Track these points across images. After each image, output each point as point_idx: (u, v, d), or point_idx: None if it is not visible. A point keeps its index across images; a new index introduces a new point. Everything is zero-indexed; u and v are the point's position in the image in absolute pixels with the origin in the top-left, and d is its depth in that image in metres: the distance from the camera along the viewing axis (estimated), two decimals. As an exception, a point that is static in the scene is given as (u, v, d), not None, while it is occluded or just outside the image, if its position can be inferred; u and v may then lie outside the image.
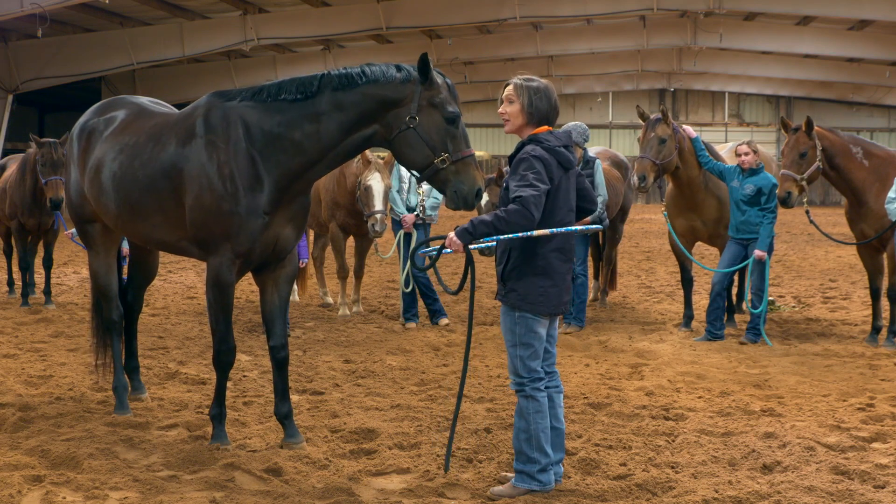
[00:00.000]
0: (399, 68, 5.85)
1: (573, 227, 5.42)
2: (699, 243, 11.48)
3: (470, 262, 5.56)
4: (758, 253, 10.06)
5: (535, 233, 5.26)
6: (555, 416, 5.58)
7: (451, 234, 5.31)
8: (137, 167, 6.41)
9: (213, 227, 6.00)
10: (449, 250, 5.36)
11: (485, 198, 10.63)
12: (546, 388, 5.53)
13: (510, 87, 5.51)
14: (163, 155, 6.27)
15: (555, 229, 5.30)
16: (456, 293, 6.11)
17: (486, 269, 15.30)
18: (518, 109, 5.45)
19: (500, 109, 5.58)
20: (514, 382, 5.50)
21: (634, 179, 10.34)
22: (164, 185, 6.24)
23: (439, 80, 5.81)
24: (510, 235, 5.24)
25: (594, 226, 6.63)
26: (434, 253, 5.54)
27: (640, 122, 10.73)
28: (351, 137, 5.91)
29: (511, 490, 5.43)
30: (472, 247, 5.42)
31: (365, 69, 5.88)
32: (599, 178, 10.67)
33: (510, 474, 5.62)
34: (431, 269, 9.51)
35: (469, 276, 5.60)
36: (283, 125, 5.94)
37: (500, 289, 5.52)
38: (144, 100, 7.23)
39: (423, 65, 5.74)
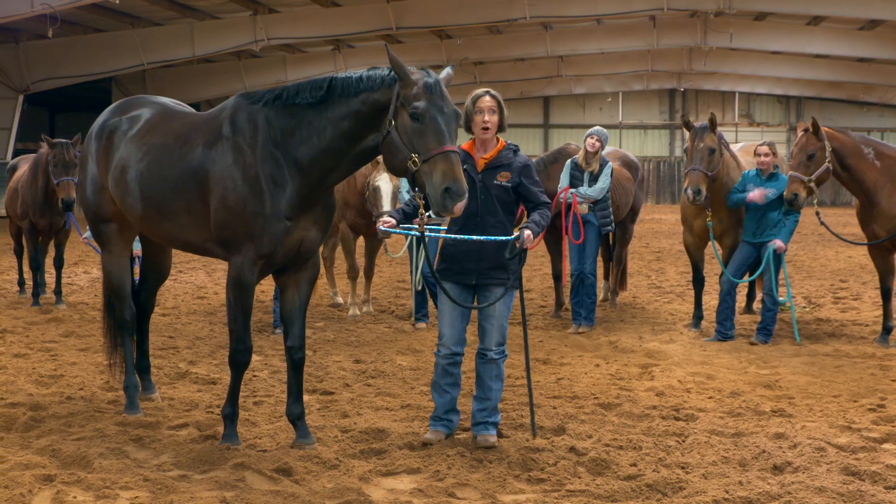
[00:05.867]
0: (390, 70, 5.64)
1: (483, 237, 6.19)
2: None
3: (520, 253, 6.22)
4: (777, 243, 10.05)
5: (453, 236, 6.23)
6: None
7: (528, 233, 6.07)
8: (165, 168, 6.37)
9: (237, 227, 5.95)
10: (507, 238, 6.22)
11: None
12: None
13: (491, 100, 6.23)
14: (190, 156, 6.22)
15: (470, 236, 6.19)
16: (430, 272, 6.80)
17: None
18: (497, 120, 6.24)
19: (485, 118, 6.19)
20: (500, 350, 6.45)
21: (689, 192, 10.05)
22: (191, 186, 6.20)
23: (415, 76, 5.53)
24: (454, 236, 6.27)
25: (504, 238, 6.29)
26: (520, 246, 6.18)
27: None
28: (359, 145, 5.79)
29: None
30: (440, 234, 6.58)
31: (363, 75, 5.72)
32: (602, 179, 10.69)
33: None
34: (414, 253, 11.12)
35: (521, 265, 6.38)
36: (302, 129, 5.86)
37: (507, 276, 6.31)
38: (166, 100, 7.19)
39: (390, 59, 5.47)
